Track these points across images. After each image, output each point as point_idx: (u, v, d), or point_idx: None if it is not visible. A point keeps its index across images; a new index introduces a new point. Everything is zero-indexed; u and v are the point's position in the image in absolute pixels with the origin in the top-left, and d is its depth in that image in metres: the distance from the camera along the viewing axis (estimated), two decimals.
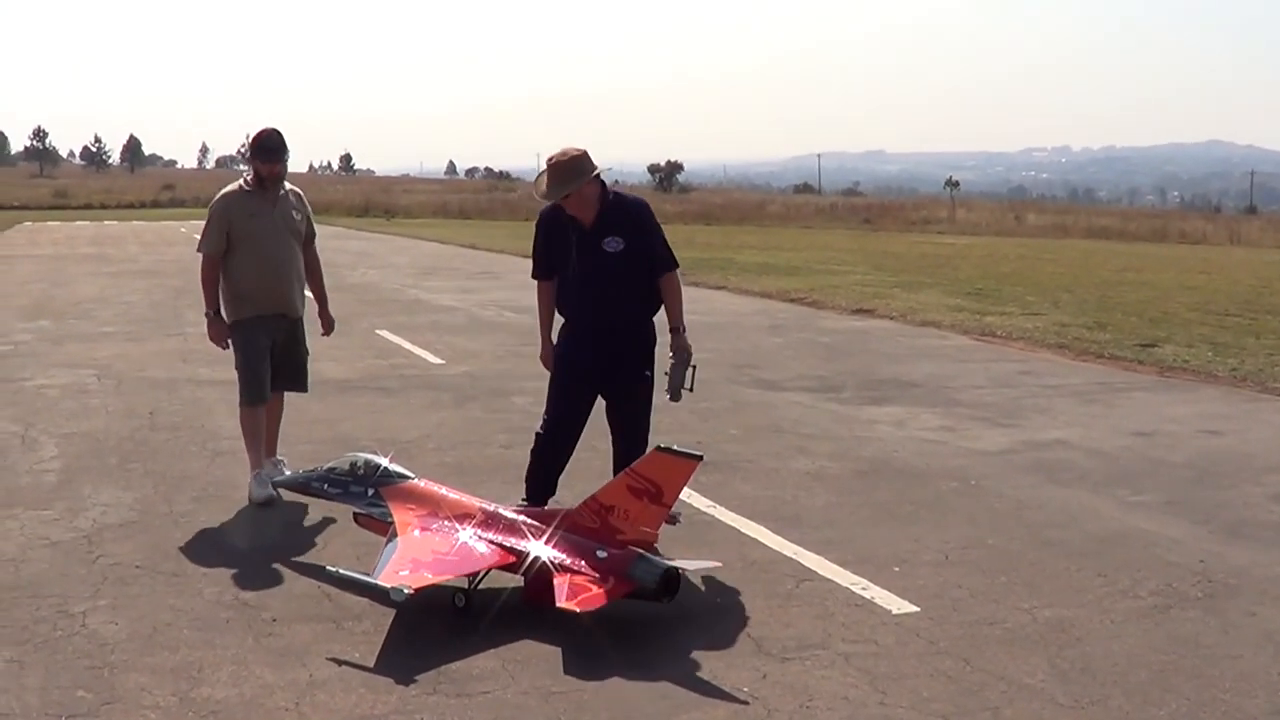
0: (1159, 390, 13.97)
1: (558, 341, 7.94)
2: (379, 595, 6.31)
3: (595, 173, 7.43)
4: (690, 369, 7.70)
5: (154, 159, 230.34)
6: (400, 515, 6.85)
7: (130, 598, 6.62)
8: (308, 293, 9.31)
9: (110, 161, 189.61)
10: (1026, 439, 11.03)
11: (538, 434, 7.91)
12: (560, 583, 6.23)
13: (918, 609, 6.64)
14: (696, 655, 5.94)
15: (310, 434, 10.61)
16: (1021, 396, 13.30)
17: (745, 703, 5.43)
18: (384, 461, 7.31)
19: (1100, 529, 8.22)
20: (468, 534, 6.63)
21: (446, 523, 6.75)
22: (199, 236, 8.95)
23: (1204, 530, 8.22)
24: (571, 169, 7.37)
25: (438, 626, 6.21)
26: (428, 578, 6.18)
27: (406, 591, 5.99)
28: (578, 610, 6.08)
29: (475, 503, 6.97)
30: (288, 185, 9.00)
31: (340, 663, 5.77)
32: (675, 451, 6.53)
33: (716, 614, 6.52)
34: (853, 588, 6.93)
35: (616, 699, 5.44)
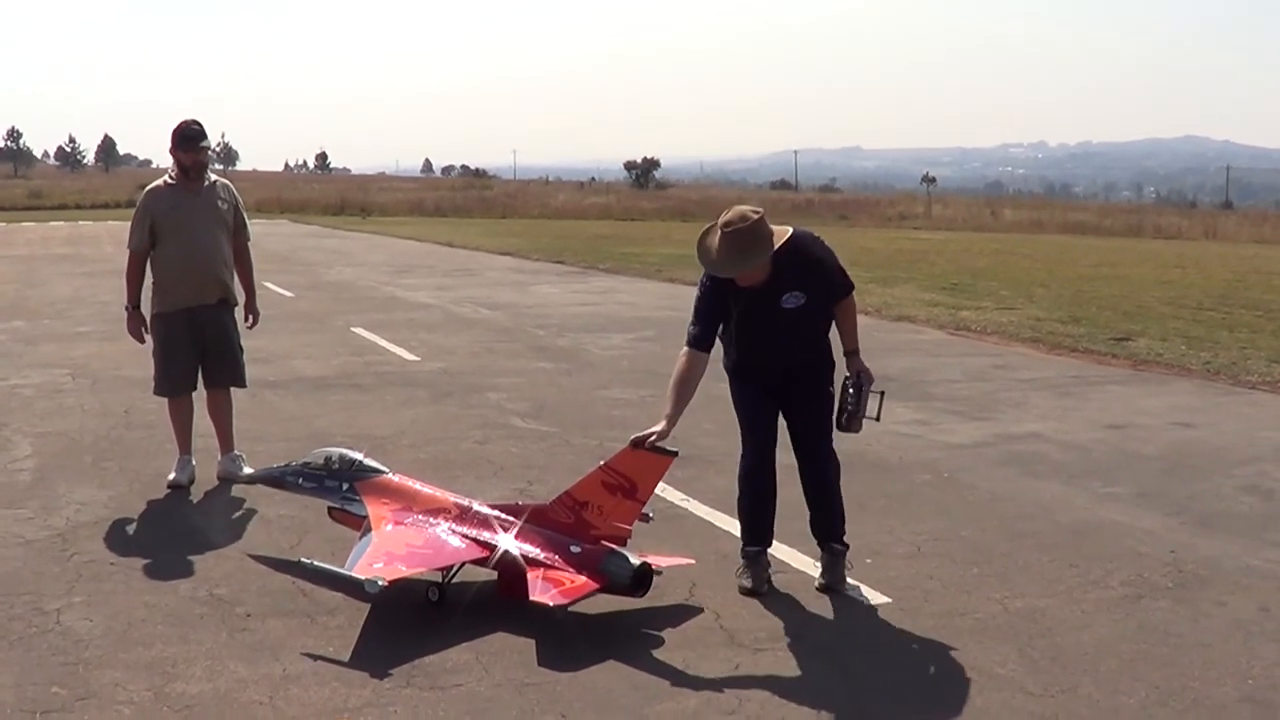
0: (1132, 383, 14.05)
1: (732, 374, 7.01)
2: (353, 587, 6.31)
3: (775, 241, 6.48)
4: (877, 395, 6.97)
5: (129, 158, 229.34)
6: (375, 509, 6.85)
7: (104, 594, 6.62)
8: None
9: (85, 161, 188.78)
10: (1000, 432, 11.09)
11: (746, 470, 6.97)
12: (534, 577, 6.25)
13: (890, 600, 6.68)
14: (669, 647, 5.97)
15: (286, 431, 10.61)
16: (995, 390, 13.36)
17: (718, 692, 5.45)
18: (358, 456, 7.31)
19: (1072, 520, 8.27)
20: (442, 528, 6.64)
21: (421, 517, 6.76)
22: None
23: (1175, 521, 8.27)
24: (754, 240, 6.39)
25: (411, 620, 6.23)
26: (402, 570, 6.18)
27: (381, 583, 5.99)
28: (551, 604, 6.10)
29: (450, 497, 6.97)
30: (213, 176, 9.05)
31: (314, 657, 5.77)
32: (650, 447, 6.53)
33: (689, 606, 6.54)
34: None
35: (590, 690, 5.46)
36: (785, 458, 6.95)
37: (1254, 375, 14.43)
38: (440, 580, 6.45)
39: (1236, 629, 6.33)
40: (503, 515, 6.72)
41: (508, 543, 6.50)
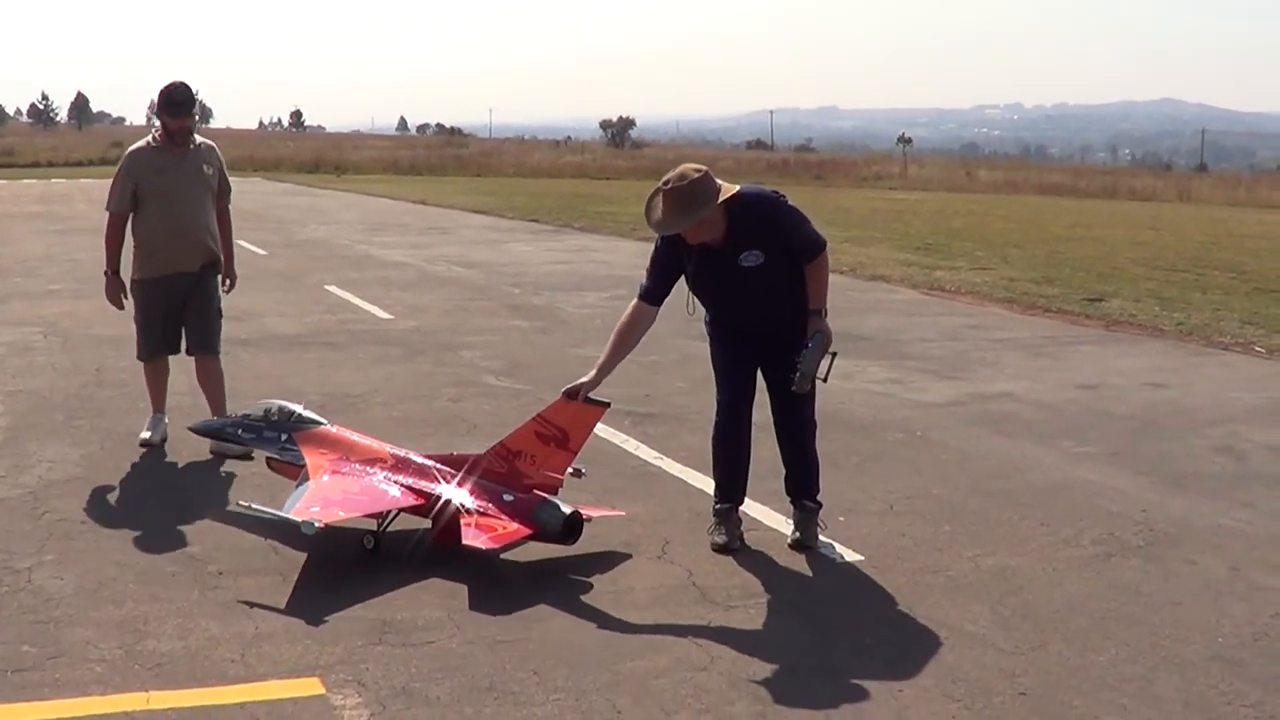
0: (1105, 344, 14.10)
1: (710, 329, 7.05)
2: (290, 532, 6.41)
3: (719, 198, 6.37)
4: (829, 356, 6.62)
5: (102, 116, 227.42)
6: (312, 459, 6.96)
7: (76, 553, 6.60)
8: None
9: (58, 119, 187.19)
10: (973, 391, 11.12)
11: (716, 424, 7.03)
12: (467, 523, 6.37)
13: (862, 558, 6.71)
14: (642, 604, 5.99)
15: (258, 389, 10.55)
16: (969, 350, 13.39)
17: (690, 649, 5.47)
18: (297, 408, 7.43)
19: (1044, 479, 8.30)
20: (378, 476, 6.76)
21: (358, 466, 6.88)
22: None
23: (1147, 481, 8.31)
24: (691, 197, 6.32)
25: (383, 578, 6.22)
26: (339, 515, 6.30)
27: (317, 525, 6.10)
28: (483, 548, 6.24)
29: (386, 448, 7.08)
30: (199, 139, 8.85)
31: (286, 614, 5.77)
32: (582, 399, 6.64)
33: (661, 563, 6.56)
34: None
35: (562, 647, 5.47)
36: (759, 415, 6.96)
37: (1226, 336, 14.50)
38: (375, 528, 6.56)
39: (1206, 588, 6.37)
40: (438, 465, 6.86)
41: (443, 491, 6.63)
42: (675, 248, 6.65)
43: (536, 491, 6.58)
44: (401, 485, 6.67)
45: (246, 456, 8.02)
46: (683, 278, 6.77)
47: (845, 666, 5.37)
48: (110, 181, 8.92)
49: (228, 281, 9.24)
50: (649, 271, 6.79)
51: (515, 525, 6.40)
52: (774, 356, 6.78)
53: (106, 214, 8.83)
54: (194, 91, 8.69)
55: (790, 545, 6.85)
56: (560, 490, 6.65)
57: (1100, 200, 52.24)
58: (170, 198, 8.63)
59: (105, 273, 8.88)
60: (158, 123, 8.77)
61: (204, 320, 8.96)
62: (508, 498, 6.55)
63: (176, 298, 8.80)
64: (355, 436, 7.25)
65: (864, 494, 7.86)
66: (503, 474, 6.69)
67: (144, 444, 8.79)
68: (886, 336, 14.00)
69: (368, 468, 6.86)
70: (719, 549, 6.76)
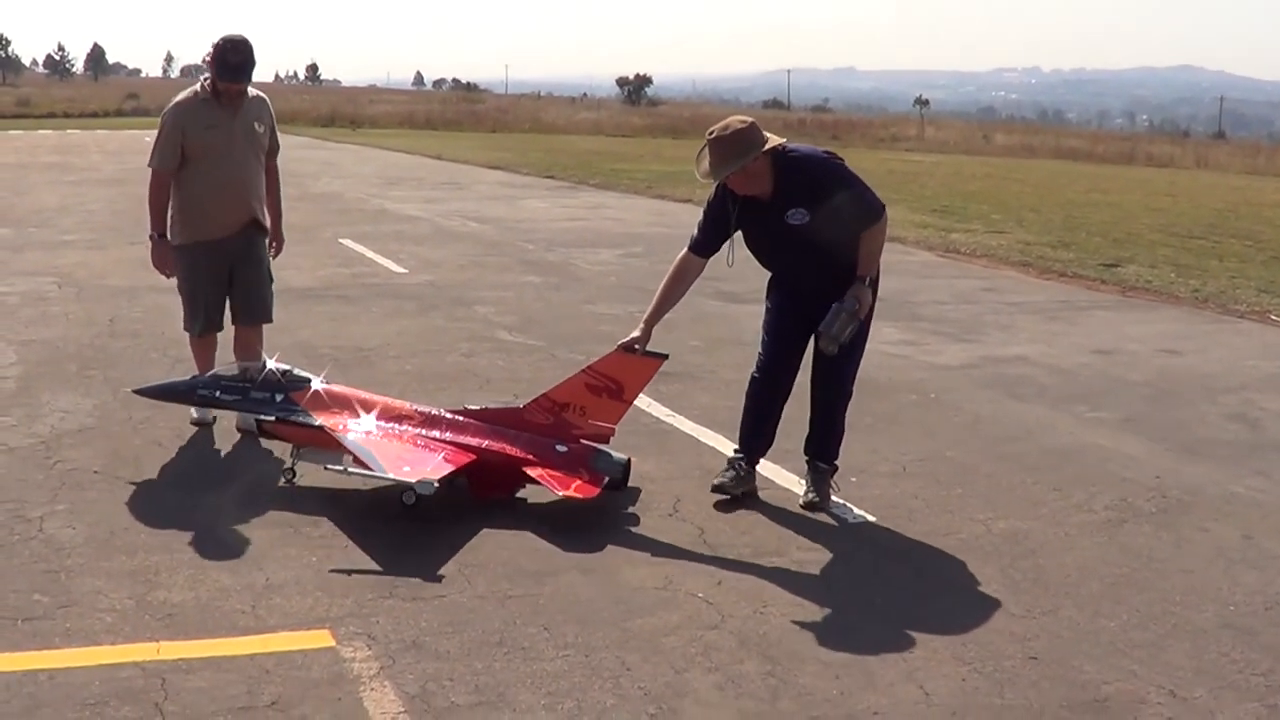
0: (1121, 309, 14.07)
1: (767, 293, 7.13)
2: (400, 489, 6.27)
3: (764, 148, 6.39)
4: (853, 323, 6.59)
5: (118, 67, 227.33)
6: (329, 419, 6.74)
7: (88, 503, 6.59)
8: None
9: (74, 70, 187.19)
10: (987, 354, 11.10)
11: (752, 377, 7.08)
12: (542, 475, 6.41)
13: (874, 518, 6.71)
14: (653, 561, 5.99)
15: (271, 342, 10.47)
16: (983, 313, 13.36)
17: (701, 607, 5.47)
18: (272, 362, 7.09)
19: (1057, 444, 8.28)
20: (422, 435, 6.70)
21: (388, 424, 6.77)
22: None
23: (1160, 447, 8.29)
24: (734, 145, 6.38)
25: (394, 531, 6.21)
26: (442, 472, 6.28)
27: (434, 484, 6.11)
28: (580, 498, 6.30)
29: (406, 404, 6.99)
30: (251, 91, 8.13)
31: (297, 566, 5.77)
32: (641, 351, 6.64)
33: (673, 521, 6.55)
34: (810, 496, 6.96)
35: (572, 603, 5.47)
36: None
37: (1242, 304, 14.47)
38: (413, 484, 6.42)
39: (1219, 555, 6.36)
40: (474, 421, 6.82)
41: (496, 445, 6.61)
42: (725, 200, 6.68)
43: (585, 441, 6.63)
44: (447, 443, 6.61)
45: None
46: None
47: (855, 627, 5.37)
48: (154, 135, 8.10)
49: (275, 245, 8.61)
50: (700, 224, 6.84)
51: (586, 479, 6.44)
52: (819, 318, 6.68)
53: (149, 171, 8.05)
54: (253, 50, 7.91)
55: (802, 505, 6.84)
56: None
57: (1117, 166, 52.10)
58: (219, 157, 7.94)
59: (150, 237, 8.14)
60: (205, 72, 8.04)
61: (256, 289, 8.38)
62: (560, 449, 6.58)
63: (223, 264, 8.17)
64: (365, 393, 7.06)
65: (876, 455, 7.85)
66: (548, 426, 6.70)
67: (197, 424, 8.16)
68: (901, 298, 13.94)
69: (400, 425, 6.75)
70: (715, 489, 6.87)
